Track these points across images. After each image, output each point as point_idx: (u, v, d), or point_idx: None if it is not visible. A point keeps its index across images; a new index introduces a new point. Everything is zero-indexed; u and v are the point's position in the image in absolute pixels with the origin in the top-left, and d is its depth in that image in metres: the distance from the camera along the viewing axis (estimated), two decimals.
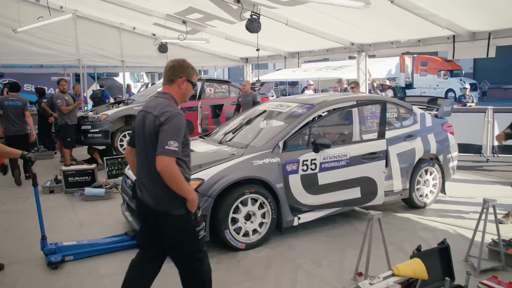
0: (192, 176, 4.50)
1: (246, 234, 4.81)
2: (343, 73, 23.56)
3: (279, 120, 5.78)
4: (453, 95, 29.06)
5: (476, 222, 4.47)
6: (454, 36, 8.43)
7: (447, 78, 31.29)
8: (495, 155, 9.71)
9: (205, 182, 4.55)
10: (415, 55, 32.54)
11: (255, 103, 9.05)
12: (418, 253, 3.55)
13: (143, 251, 3.20)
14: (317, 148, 5.02)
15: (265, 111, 6.10)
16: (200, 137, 6.40)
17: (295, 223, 5.07)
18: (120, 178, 7.53)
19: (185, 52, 14.88)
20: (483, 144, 9.78)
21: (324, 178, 5.11)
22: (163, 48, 14.03)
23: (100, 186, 7.18)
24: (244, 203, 4.75)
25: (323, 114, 5.66)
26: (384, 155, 5.51)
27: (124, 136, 9.64)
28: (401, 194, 5.98)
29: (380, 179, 5.48)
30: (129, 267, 3.20)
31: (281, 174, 4.95)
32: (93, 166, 7.78)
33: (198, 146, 5.64)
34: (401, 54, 31.90)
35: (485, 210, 4.27)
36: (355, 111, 5.64)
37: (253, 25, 8.89)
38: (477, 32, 8.13)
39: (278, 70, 31.92)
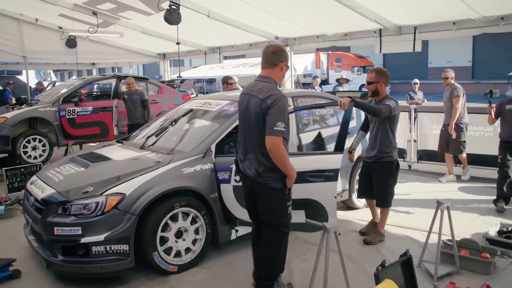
0: (111, 191, 3.84)
1: (177, 254, 4.14)
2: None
3: (208, 120, 5.15)
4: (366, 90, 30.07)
5: (430, 224, 4.15)
6: (380, 30, 8.32)
7: (360, 74, 32.41)
8: (419, 161, 8.40)
9: (126, 197, 3.81)
10: (329, 52, 33.35)
11: (142, 101, 8.42)
12: (383, 269, 3.14)
13: (254, 222, 3.70)
14: None
15: (191, 110, 5.41)
16: (118, 141, 5.59)
17: (233, 236, 4.49)
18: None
19: (96, 47, 13.70)
20: (406, 149, 8.47)
21: None
22: (71, 42, 12.69)
23: None
24: (174, 219, 4.08)
25: None
26: (336, 175, 4.09)
27: (28, 142, 8.42)
28: (341, 196, 5.61)
29: (331, 206, 4.13)
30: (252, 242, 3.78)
31: (214, 183, 4.34)
32: None
33: (116, 153, 4.86)
34: (316, 51, 32.59)
35: (439, 212, 3.98)
36: (294, 113, 5.10)
37: (172, 16, 8.17)
38: (403, 26, 8.08)
39: (195, 67, 31.11)
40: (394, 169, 4.71)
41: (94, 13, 10.19)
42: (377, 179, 4.75)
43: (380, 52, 8.56)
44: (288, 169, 3.28)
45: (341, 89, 11.81)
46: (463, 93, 7.09)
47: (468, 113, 7.31)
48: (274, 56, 3.37)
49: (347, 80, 12.85)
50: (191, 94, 14.53)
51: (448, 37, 7.90)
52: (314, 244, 4.75)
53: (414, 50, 8.00)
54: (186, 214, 4.15)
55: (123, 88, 9.21)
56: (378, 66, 35.16)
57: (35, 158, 8.46)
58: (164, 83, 11.18)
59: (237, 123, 4.67)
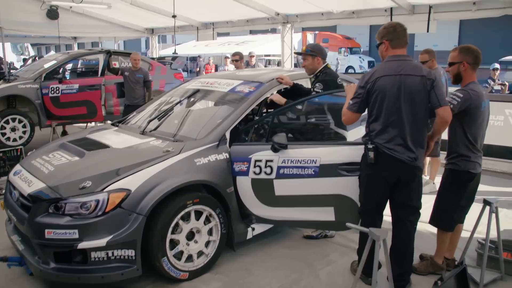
0: (113, 186, 3.24)
1: (189, 258, 3.59)
2: (247, 49, 22.90)
3: (219, 102, 4.56)
4: (353, 71, 29.74)
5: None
6: (392, 8, 7.77)
7: (347, 55, 32.00)
8: None
9: (132, 193, 3.22)
10: (316, 32, 32.77)
11: (145, 82, 7.71)
12: (443, 284, 2.67)
13: (370, 219, 3.30)
14: (274, 146, 3.67)
15: (198, 90, 4.80)
16: (113, 124, 4.95)
17: (249, 235, 3.95)
18: (3, 178, 5.81)
19: (79, 20, 12.74)
20: None
21: (282, 187, 3.70)
22: (52, 13, 11.70)
23: None
24: (185, 219, 3.51)
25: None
26: None
27: (7, 122, 7.66)
28: None
29: None
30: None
31: (230, 176, 3.78)
32: None
33: (114, 139, 4.23)
34: (302, 30, 31.92)
35: (487, 212, 3.51)
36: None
37: None
38: (416, 5, 7.54)
39: (178, 44, 30.20)
40: (455, 182, 3.47)
41: None
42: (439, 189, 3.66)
43: None
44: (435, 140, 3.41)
45: None
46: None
47: None
48: (407, 36, 3.27)
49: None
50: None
51: (466, 18, 7.39)
52: (337, 243, 4.27)
53: (428, 31, 7.48)
54: (199, 213, 3.58)
55: (112, 64, 8.47)
56: (364, 48, 35.02)
57: (14, 140, 7.71)
58: (154, 60, 10.44)
59: (253, 106, 4.18)
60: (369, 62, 30.83)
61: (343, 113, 3.38)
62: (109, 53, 8.55)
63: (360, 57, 31.84)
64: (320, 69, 4.24)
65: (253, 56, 11.75)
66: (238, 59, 7.69)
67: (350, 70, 30.62)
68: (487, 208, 3.52)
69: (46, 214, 3.22)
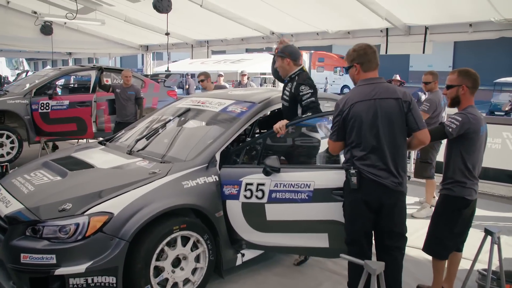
0: (95, 209, 3.07)
1: (174, 285, 3.40)
2: (242, 67, 22.92)
3: (210, 122, 4.42)
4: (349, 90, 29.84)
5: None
6: (387, 29, 7.72)
7: (342, 74, 32.16)
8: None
9: (114, 217, 3.06)
10: (312, 51, 32.91)
11: (137, 99, 7.61)
12: None
13: (359, 249, 3.12)
14: (266, 169, 3.52)
15: (188, 109, 4.65)
16: (100, 143, 4.79)
17: (239, 262, 3.77)
18: None
19: (74, 36, 12.70)
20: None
21: (274, 212, 3.56)
22: (46, 29, 11.64)
23: None
24: (171, 244, 3.34)
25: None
26: None
27: None
28: None
29: None
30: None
31: (219, 199, 3.62)
32: None
33: (99, 158, 4.07)
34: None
35: (490, 242, 3.34)
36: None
37: (162, 4, 7.43)
38: (413, 26, 7.49)
39: (174, 61, 30.22)
40: (449, 208, 3.34)
41: None
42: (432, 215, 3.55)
43: (386, 53, 7.92)
44: None
45: None
46: (433, 110, 5.55)
47: None
48: (378, 57, 3.18)
49: (401, 82, 9.38)
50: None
51: (462, 40, 7.34)
52: (330, 271, 4.10)
53: (424, 52, 7.42)
54: (186, 239, 3.41)
55: (104, 81, 8.36)
56: None
57: (2, 156, 7.54)
58: (147, 77, 10.35)
59: (245, 127, 4.05)
60: None
61: (327, 143, 3.31)
62: (101, 70, 8.44)
63: None
64: (295, 72, 4.09)
65: (245, 75, 11.65)
66: (203, 79, 6.97)
67: (345, 90, 30.77)
68: (489, 237, 3.37)
69: (23, 237, 3.06)
